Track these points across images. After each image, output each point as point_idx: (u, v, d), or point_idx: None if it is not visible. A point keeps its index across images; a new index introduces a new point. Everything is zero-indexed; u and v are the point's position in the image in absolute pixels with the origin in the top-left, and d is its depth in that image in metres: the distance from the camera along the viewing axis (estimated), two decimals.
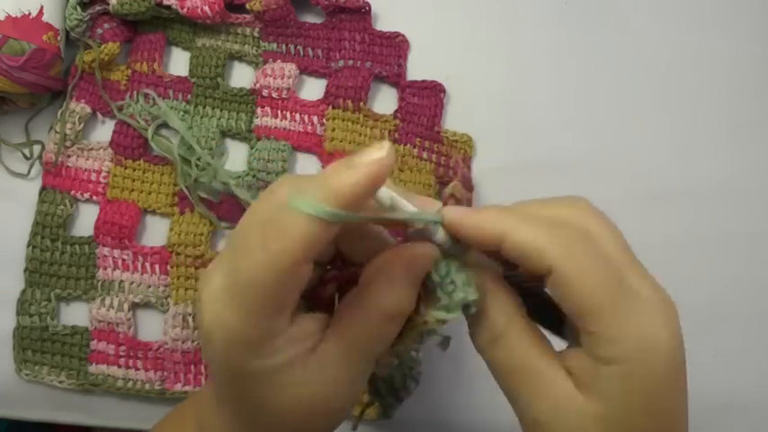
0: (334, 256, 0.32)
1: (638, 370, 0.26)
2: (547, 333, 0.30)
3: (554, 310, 0.28)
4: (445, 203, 0.30)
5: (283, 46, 0.57)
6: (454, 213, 0.29)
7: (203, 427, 0.33)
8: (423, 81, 0.56)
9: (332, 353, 0.28)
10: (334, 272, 0.32)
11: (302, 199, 0.24)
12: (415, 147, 0.55)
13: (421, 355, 0.39)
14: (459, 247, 0.29)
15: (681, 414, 0.28)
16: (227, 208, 0.53)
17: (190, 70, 0.56)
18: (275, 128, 0.55)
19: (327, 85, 0.56)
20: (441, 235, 0.29)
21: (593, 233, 0.28)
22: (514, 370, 0.29)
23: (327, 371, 0.28)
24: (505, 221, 0.27)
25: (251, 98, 0.55)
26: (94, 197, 0.53)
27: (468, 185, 0.53)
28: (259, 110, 0.55)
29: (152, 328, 0.52)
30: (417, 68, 0.57)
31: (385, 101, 0.57)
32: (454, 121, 0.56)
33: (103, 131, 0.55)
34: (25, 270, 0.52)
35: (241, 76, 0.57)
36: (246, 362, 0.27)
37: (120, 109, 0.54)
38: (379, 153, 0.25)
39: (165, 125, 0.55)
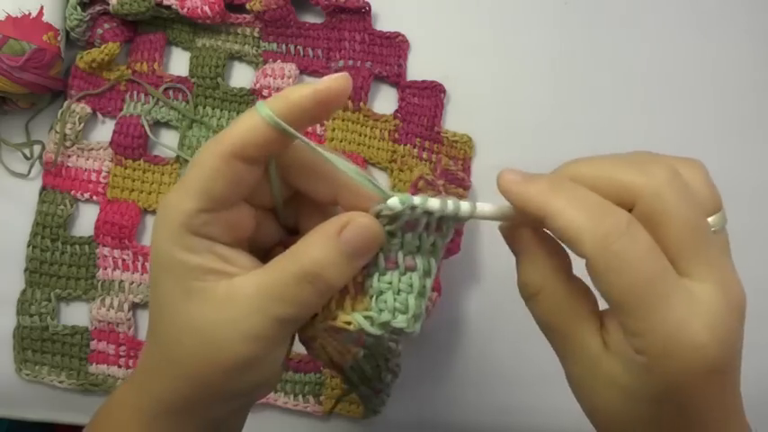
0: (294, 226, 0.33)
1: (662, 366, 0.26)
2: None
3: None
4: (415, 185, 0.30)
5: (283, 46, 0.57)
6: (508, 176, 0.29)
7: (135, 378, 0.33)
8: (423, 81, 0.56)
9: (242, 289, 0.28)
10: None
11: (261, 103, 0.28)
12: (415, 147, 0.55)
13: (400, 348, 0.38)
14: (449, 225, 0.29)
15: (712, 416, 0.27)
16: None
17: (190, 70, 0.56)
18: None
19: None
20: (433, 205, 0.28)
21: (662, 212, 0.26)
22: (549, 328, 0.30)
23: (231, 306, 0.28)
24: (550, 201, 0.27)
25: (251, 98, 0.55)
26: (94, 197, 0.53)
27: (463, 183, 0.53)
28: None
29: None
30: (417, 68, 0.57)
31: (385, 101, 0.57)
32: (454, 121, 0.56)
33: (103, 131, 0.55)
34: (25, 270, 0.52)
35: (241, 76, 0.57)
36: (172, 246, 0.28)
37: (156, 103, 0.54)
38: (330, 79, 0.28)
39: (165, 125, 0.55)
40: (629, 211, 0.27)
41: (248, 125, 0.28)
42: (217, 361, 0.29)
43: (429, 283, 0.29)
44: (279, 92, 0.53)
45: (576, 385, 0.30)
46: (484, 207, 0.29)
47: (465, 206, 0.29)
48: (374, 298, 0.29)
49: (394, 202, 0.28)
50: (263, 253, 0.32)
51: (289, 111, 0.28)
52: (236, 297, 0.28)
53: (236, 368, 0.29)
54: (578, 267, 0.28)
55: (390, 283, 0.29)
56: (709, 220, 0.28)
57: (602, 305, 0.29)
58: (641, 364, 0.26)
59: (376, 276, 0.29)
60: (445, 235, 0.29)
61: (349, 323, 0.29)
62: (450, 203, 0.28)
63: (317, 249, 0.28)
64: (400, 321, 0.28)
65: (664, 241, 0.26)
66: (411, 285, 0.29)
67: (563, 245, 0.28)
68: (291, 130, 0.28)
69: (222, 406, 0.32)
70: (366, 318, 0.29)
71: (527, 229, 0.29)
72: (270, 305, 0.28)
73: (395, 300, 0.28)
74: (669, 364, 0.26)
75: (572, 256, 0.28)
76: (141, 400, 0.31)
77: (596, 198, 0.27)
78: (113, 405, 0.34)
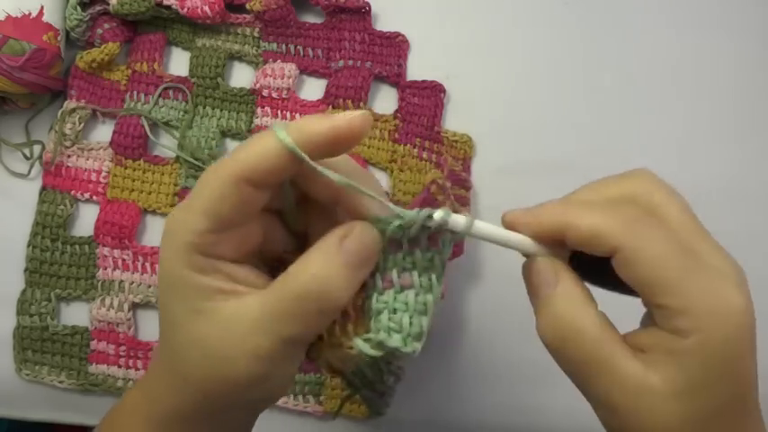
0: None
1: (715, 336, 0.26)
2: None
3: (621, 287, 0.29)
4: (428, 190, 0.30)
5: (283, 46, 0.57)
6: (514, 214, 0.30)
7: (147, 386, 0.33)
8: (423, 81, 0.56)
9: (249, 309, 0.28)
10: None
11: (279, 128, 0.27)
12: (415, 147, 0.55)
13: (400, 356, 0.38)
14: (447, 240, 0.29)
15: (754, 375, 0.28)
16: None
17: (190, 70, 0.56)
18: None
19: (327, 85, 0.56)
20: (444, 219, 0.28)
21: (657, 206, 0.28)
22: (583, 360, 0.29)
23: (238, 325, 0.28)
24: (566, 213, 0.28)
25: (251, 98, 0.55)
26: (94, 197, 0.53)
27: (465, 184, 0.53)
28: (259, 110, 0.55)
29: (152, 328, 0.52)
30: (417, 68, 0.57)
31: (385, 101, 0.57)
32: (454, 121, 0.56)
33: (103, 131, 0.55)
34: (25, 270, 0.52)
35: (241, 76, 0.57)
36: (181, 267, 0.28)
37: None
38: (352, 115, 0.28)
39: (165, 125, 0.55)
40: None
41: (261, 150, 0.27)
42: (224, 378, 0.29)
43: (430, 299, 0.28)
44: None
45: (619, 417, 0.28)
46: (495, 229, 0.29)
47: (484, 227, 0.29)
48: (372, 319, 0.28)
49: (415, 215, 0.28)
50: (273, 258, 0.32)
51: (304, 142, 0.27)
52: (242, 317, 0.28)
53: (243, 385, 0.29)
54: None
55: (386, 302, 0.28)
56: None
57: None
58: (689, 348, 0.27)
59: (374, 297, 0.29)
60: (442, 251, 0.29)
61: (351, 348, 0.29)
62: (471, 222, 0.28)
63: (318, 265, 0.28)
64: (395, 341, 0.27)
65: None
66: (407, 303, 0.28)
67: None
68: (308, 159, 0.27)
69: (232, 416, 0.32)
70: (365, 340, 0.28)
71: (556, 260, 0.29)
72: (274, 325, 0.28)
73: (389, 319, 0.28)
74: (716, 334, 0.26)
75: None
76: (152, 407, 0.32)
77: (603, 200, 0.29)
78: (124, 410, 0.34)
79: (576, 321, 0.28)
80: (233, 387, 0.29)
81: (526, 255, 0.30)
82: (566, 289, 0.29)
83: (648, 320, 0.29)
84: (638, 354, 0.28)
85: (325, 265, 0.28)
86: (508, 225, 0.30)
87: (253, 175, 0.27)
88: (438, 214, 0.28)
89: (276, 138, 0.27)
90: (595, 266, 0.29)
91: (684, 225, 0.28)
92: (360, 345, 0.28)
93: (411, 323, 0.28)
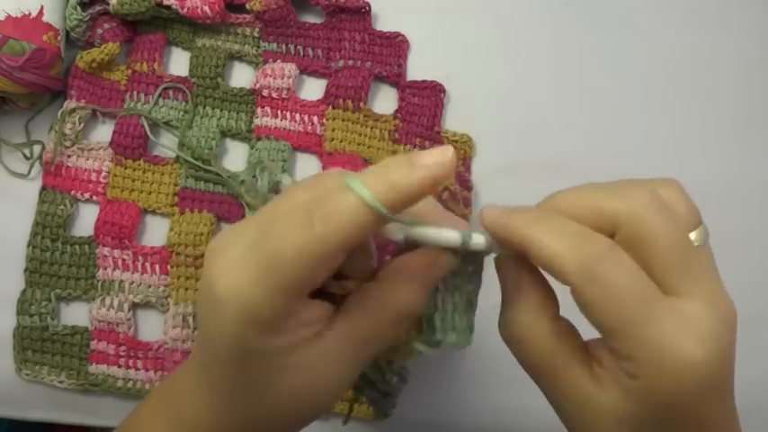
0: None
1: (659, 387, 0.26)
2: None
3: None
4: (440, 196, 0.31)
5: (283, 46, 0.57)
6: (491, 213, 0.28)
7: (179, 411, 0.31)
8: (423, 81, 0.56)
9: (336, 341, 0.28)
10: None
11: (360, 183, 0.24)
12: (415, 147, 0.55)
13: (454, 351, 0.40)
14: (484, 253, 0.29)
15: (713, 425, 0.27)
16: (227, 207, 0.53)
17: (190, 70, 0.56)
18: (275, 128, 0.55)
19: (327, 85, 0.56)
20: (481, 242, 0.28)
21: (643, 235, 0.26)
22: (536, 367, 0.29)
23: (328, 359, 0.28)
24: (531, 231, 0.27)
25: (251, 98, 0.55)
26: (94, 197, 0.53)
27: (467, 185, 0.53)
28: (259, 110, 0.55)
29: (152, 328, 0.52)
30: (417, 68, 0.57)
31: (385, 101, 0.57)
32: (454, 121, 0.56)
33: (103, 131, 0.55)
34: (25, 270, 0.52)
35: (241, 76, 0.57)
36: (254, 338, 0.26)
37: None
38: (442, 156, 0.25)
39: (166, 124, 0.55)
40: (612, 236, 0.27)
41: (354, 216, 0.24)
42: (313, 416, 0.29)
43: (475, 296, 0.30)
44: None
45: (570, 424, 0.29)
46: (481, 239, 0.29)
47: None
48: (424, 321, 0.30)
49: (479, 239, 0.28)
50: None
51: (397, 200, 0.24)
52: (331, 353, 0.28)
53: (323, 412, 0.30)
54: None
55: (437, 305, 0.30)
56: (692, 235, 0.28)
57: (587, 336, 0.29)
58: (636, 388, 0.26)
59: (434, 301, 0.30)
60: (484, 254, 0.30)
61: (410, 352, 0.30)
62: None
63: (409, 292, 0.28)
64: (451, 338, 0.29)
65: (649, 262, 0.26)
66: (455, 303, 0.30)
67: (548, 283, 0.29)
68: (400, 219, 0.25)
69: None
70: (426, 342, 0.30)
71: (520, 265, 0.29)
72: (362, 349, 0.29)
73: (442, 320, 0.29)
74: (664, 385, 0.26)
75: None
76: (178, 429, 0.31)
77: (576, 226, 0.27)
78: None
79: (531, 330, 0.29)
80: (315, 418, 0.30)
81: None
82: (526, 296, 0.29)
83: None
84: (594, 365, 0.28)
85: (414, 292, 0.28)
86: (485, 223, 0.28)
87: (344, 247, 0.25)
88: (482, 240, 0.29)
89: (362, 201, 0.24)
90: None
91: (667, 260, 0.26)
92: (421, 347, 0.30)
93: (461, 319, 0.30)
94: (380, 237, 0.29)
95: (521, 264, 0.29)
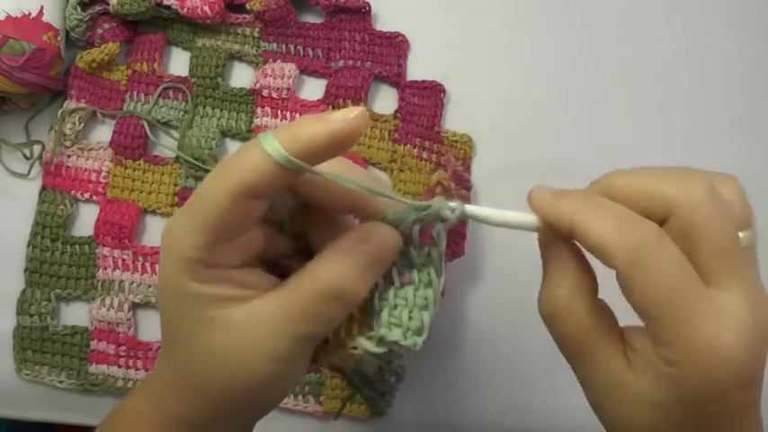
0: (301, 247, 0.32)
1: (691, 375, 0.26)
2: None
3: None
4: (432, 191, 0.30)
5: (283, 46, 0.57)
6: (539, 192, 0.29)
7: (156, 405, 0.32)
8: (423, 81, 0.56)
9: (262, 312, 0.28)
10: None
11: (267, 137, 0.26)
12: (415, 147, 0.55)
13: (403, 350, 0.39)
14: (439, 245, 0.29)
15: (737, 427, 0.28)
16: None
17: (190, 70, 0.56)
18: (275, 128, 0.55)
19: (327, 85, 0.56)
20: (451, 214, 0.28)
21: (694, 226, 0.27)
22: (571, 343, 0.29)
23: (252, 329, 0.28)
24: (579, 215, 0.27)
25: (251, 98, 0.55)
26: (94, 197, 0.53)
27: (467, 185, 0.53)
28: (259, 110, 0.55)
29: (152, 328, 0.52)
30: (417, 68, 0.57)
31: (385, 101, 0.57)
32: (454, 121, 0.56)
33: (103, 131, 0.55)
34: (25, 270, 0.52)
35: (241, 76, 0.57)
36: (185, 280, 0.28)
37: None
38: (347, 113, 0.26)
39: (165, 125, 0.55)
40: (663, 222, 0.27)
41: (256, 162, 0.26)
42: (239, 384, 0.29)
43: (430, 293, 0.29)
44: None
45: (599, 403, 0.30)
46: (511, 215, 0.29)
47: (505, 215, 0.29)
48: (375, 318, 0.29)
49: (449, 205, 0.28)
50: (271, 263, 0.32)
51: (300, 149, 0.26)
52: (256, 320, 0.28)
53: (258, 389, 0.29)
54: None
55: (387, 299, 0.29)
56: (740, 235, 0.28)
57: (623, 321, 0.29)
58: (670, 375, 0.27)
59: (376, 296, 0.29)
60: (438, 244, 0.29)
61: (355, 348, 0.29)
62: (505, 214, 0.29)
63: (339, 266, 0.28)
64: (395, 335, 0.28)
65: (695, 252, 0.27)
66: (406, 299, 0.29)
67: (590, 262, 0.29)
68: (307, 166, 0.26)
69: (240, 422, 0.32)
70: (368, 338, 0.29)
71: (562, 243, 0.29)
72: (292, 325, 0.28)
73: (390, 314, 0.29)
74: (698, 374, 0.26)
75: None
76: (157, 414, 0.31)
77: (626, 211, 0.27)
78: (127, 414, 0.34)
79: (569, 305, 0.29)
80: (248, 392, 0.29)
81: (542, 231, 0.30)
82: (567, 272, 0.29)
83: None
84: (628, 350, 0.28)
85: (344, 266, 0.28)
86: (533, 205, 0.29)
87: (252, 190, 0.26)
88: (454, 205, 0.28)
89: (268, 151, 0.26)
90: None
91: (713, 255, 0.27)
92: (363, 343, 0.29)
93: (411, 317, 0.28)
94: (427, 221, 0.28)
95: (563, 241, 0.29)
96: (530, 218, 0.29)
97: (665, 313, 0.26)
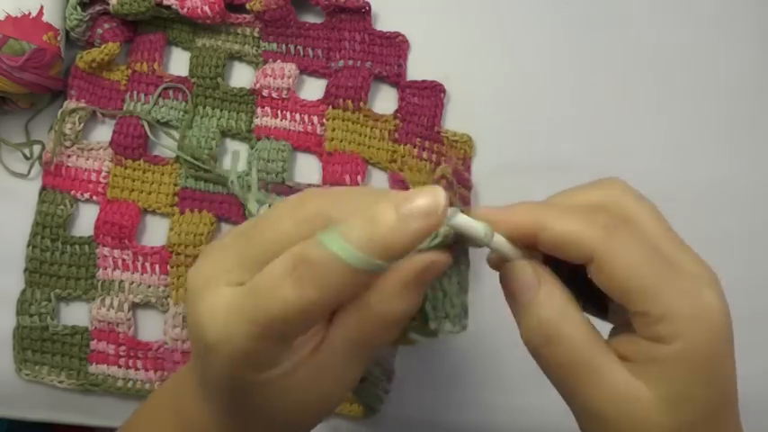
0: None
1: (697, 340, 0.26)
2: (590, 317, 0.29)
3: (597, 294, 0.28)
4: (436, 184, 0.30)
5: (283, 46, 0.57)
6: (488, 211, 0.29)
7: (180, 413, 0.32)
8: (423, 81, 0.56)
9: (333, 353, 0.28)
10: None
11: (344, 242, 0.23)
12: (415, 147, 0.55)
13: (395, 349, 0.39)
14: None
15: (734, 379, 0.28)
16: (227, 207, 0.53)
17: (190, 70, 0.56)
18: (275, 128, 0.55)
19: (327, 85, 0.56)
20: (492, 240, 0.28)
21: (631, 214, 0.28)
22: (569, 367, 0.28)
23: (328, 371, 0.28)
24: (541, 213, 0.28)
25: (251, 98, 0.55)
26: (94, 197, 0.53)
27: (467, 184, 0.53)
28: (259, 110, 0.55)
29: (152, 328, 0.52)
30: (417, 68, 0.57)
31: (385, 101, 0.57)
32: (454, 121, 0.56)
33: (103, 131, 0.55)
34: (25, 270, 0.52)
35: (241, 76, 0.57)
36: (250, 375, 0.26)
37: None
38: (433, 200, 0.23)
39: (166, 124, 0.55)
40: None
41: (335, 278, 0.23)
42: (316, 421, 0.30)
43: (463, 279, 0.29)
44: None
45: (606, 424, 0.28)
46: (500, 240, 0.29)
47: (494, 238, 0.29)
48: (428, 310, 0.29)
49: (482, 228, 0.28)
50: None
51: (382, 257, 0.23)
52: (328, 365, 0.28)
53: (327, 416, 0.30)
54: None
55: (427, 293, 0.28)
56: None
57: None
58: (674, 355, 0.26)
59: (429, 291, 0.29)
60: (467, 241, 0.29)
61: (409, 341, 0.29)
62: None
63: (403, 300, 0.26)
64: (446, 327, 0.28)
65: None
66: (444, 290, 0.28)
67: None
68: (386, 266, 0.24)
69: None
70: (419, 332, 0.29)
71: (536, 262, 0.28)
72: (359, 355, 0.28)
73: (434, 308, 0.28)
74: (702, 332, 0.26)
75: None
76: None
77: (581, 206, 0.29)
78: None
79: (562, 326, 0.27)
80: (319, 421, 0.30)
81: (502, 258, 0.30)
82: (549, 292, 0.28)
83: (622, 326, 0.29)
84: (624, 362, 0.28)
85: (405, 304, 0.26)
86: (486, 219, 0.28)
87: (333, 304, 0.25)
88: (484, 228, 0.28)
89: (358, 264, 0.23)
90: (565, 281, 0.29)
91: (658, 231, 0.28)
92: (417, 338, 0.29)
93: (453, 305, 0.28)
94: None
95: (534, 261, 0.29)
96: (480, 226, 0.27)
97: (653, 284, 0.26)
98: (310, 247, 0.24)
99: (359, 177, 0.53)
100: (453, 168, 0.33)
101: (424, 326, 0.28)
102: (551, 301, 0.28)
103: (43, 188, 0.53)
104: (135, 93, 0.55)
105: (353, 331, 0.27)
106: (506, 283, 0.29)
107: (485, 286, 0.55)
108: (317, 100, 0.56)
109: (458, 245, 0.28)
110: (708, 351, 0.26)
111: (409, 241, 0.23)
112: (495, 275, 0.55)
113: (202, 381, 0.30)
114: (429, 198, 0.23)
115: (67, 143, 0.53)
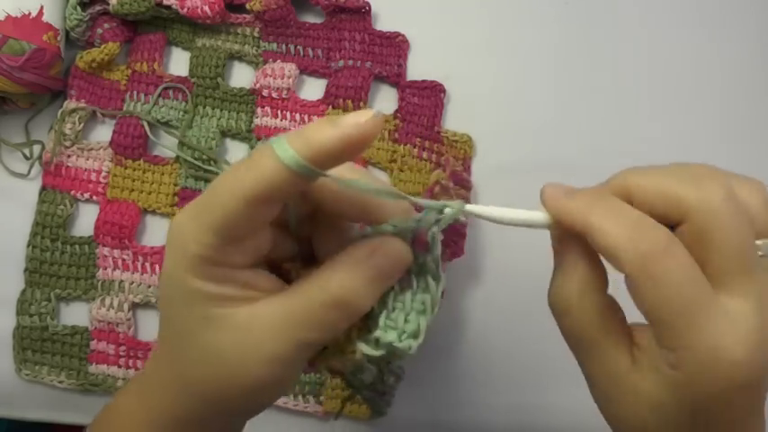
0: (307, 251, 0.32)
1: (695, 381, 0.26)
2: None
3: None
4: (431, 191, 0.30)
5: (283, 46, 0.57)
6: (550, 190, 0.29)
7: (144, 389, 0.33)
8: (423, 81, 0.56)
9: (266, 314, 0.28)
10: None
11: (280, 142, 0.26)
12: (415, 147, 0.55)
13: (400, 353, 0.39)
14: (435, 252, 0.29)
15: (742, 427, 0.28)
16: None
17: (190, 70, 0.56)
18: (275, 128, 0.55)
19: (327, 85, 0.56)
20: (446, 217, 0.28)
21: (709, 231, 0.26)
22: (577, 338, 0.29)
23: (254, 331, 0.28)
24: (589, 217, 0.27)
25: (251, 98, 0.55)
26: (94, 197, 0.53)
27: (467, 185, 0.53)
28: (259, 110, 0.55)
29: (152, 328, 0.52)
30: (417, 68, 0.57)
31: (385, 101, 0.57)
32: (454, 121, 0.56)
33: (103, 131, 0.55)
34: (25, 270, 0.52)
35: (241, 76, 0.57)
36: (190, 277, 0.27)
37: None
38: (359, 117, 0.26)
39: (166, 124, 0.55)
40: (679, 224, 0.27)
41: (270, 168, 0.26)
42: (237, 384, 0.29)
43: (428, 299, 0.29)
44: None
45: (603, 400, 0.30)
46: (521, 213, 0.29)
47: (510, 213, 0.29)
48: (372, 321, 0.29)
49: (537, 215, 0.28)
50: (273, 265, 0.32)
51: (313, 154, 0.25)
52: (259, 323, 0.28)
53: (254, 390, 0.29)
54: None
55: (385, 303, 0.29)
56: (758, 242, 0.28)
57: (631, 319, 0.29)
58: (674, 378, 0.27)
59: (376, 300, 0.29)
60: (432, 250, 0.29)
61: (353, 352, 0.29)
62: (485, 209, 0.29)
63: (347, 276, 0.28)
64: (390, 336, 0.28)
65: (708, 257, 0.27)
66: (404, 303, 0.29)
67: (599, 259, 0.29)
68: (321, 172, 0.26)
69: (233, 421, 0.32)
70: (366, 342, 0.29)
71: (574, 238, 0.29)
72: (295, 330, 0.28)
73: (387, 317, 0.29)
74: (703, 380, 0.26)
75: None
76: (150, 411, 0.32)
77: (637, 215, 0.27)
78: (118, 412, 0.34)
79: (577, 300, 0.29)
80: (244, 392, 0.29)
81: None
82: (577, 266, 0.29)
83: None
84: (635, 348, 0.29)
85: (354, 278, 0.28)
86: (544, 203, 0.29)
87: (264, 195, 0.26)
88: (455, 206, 0.28)
89: (281, 156, 0.25)
90: None
91: (725, 260, 0.26)
92: (362, 347, 0.29)
93: (407, 320, 0.28)
94: (419, 230, 0.28)
95: (575, 236, 0.29)
96: (540, 215, 0.29)
97: (671, 319, 0.26)
98: (260, 149, 0.27)
99: None
100: (451, 171, 0.33)
101: (371, 334, 0.29)
102: (577, 274, 0.29)
103: (43, 188, 0.53)
104: (135, 93, 0.55)
105: (292, 299, 0.28)
106: (553, 242, 0.31)
107: (485, 288, 0.55)
108: (317, 100, 0.56)
109: (428, 270, 0.29)
110: (704, 398, 0.26)
111: (331, 142, 0.26)
112: (495, 279, 0.55)
113: (162, 316, 0.31)
114: (357, 113, 0.26)
115: (67, 143, 0.53)
